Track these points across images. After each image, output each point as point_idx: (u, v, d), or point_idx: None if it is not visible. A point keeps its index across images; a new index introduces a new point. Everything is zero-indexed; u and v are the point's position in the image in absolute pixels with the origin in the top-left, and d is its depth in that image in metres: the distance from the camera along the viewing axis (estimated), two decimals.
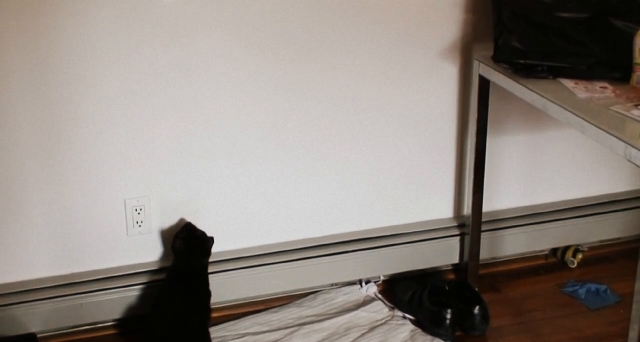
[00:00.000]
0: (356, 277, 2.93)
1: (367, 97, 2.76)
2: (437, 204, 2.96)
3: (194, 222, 2.70)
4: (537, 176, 3.03)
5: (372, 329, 2.72)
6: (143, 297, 2.71)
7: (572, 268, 3.04)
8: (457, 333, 2.71)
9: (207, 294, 2.64)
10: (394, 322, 2.75)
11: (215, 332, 2.66)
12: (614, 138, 2.11)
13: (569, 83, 2.41)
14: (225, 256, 2.77)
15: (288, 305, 2.83)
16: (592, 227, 3.09)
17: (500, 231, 3.01)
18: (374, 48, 2.71)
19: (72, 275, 2.67)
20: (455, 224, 2.97)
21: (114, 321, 2.73)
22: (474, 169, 2.78)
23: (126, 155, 2.60)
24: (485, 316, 2.71)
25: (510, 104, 2.83)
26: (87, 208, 2.62)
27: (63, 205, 2.60)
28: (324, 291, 2.89)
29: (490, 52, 2.55)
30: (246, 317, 2.76)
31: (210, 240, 2.66)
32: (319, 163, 2.79)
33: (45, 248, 2.63)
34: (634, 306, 2.15)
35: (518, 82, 2.45)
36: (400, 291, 2.87)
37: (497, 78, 2.56)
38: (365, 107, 2.76)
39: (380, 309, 2.81)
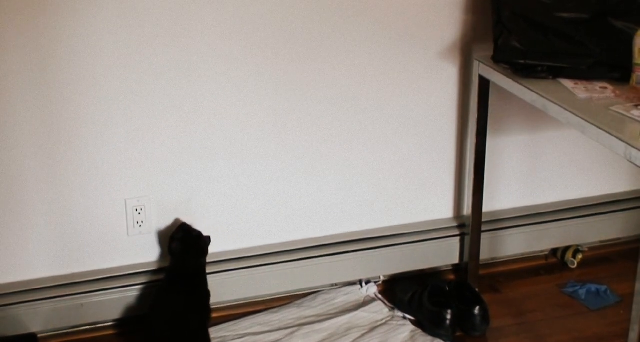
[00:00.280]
0: (356, 278, 2.93)
1: (367, 97, 2.76)
2: (437, 204, 2.96)
3: (194, 222, 2.70)
4: (537, 176, 3.03)
5: (372, 329, 2.72)
6: (144, 298, 2.71)
7: (573, 268, 3.04)
8: (458, 334, 2.70)
9: (207, 294, 2.65)
10: (394, 322, 2.75)
11: (215, 332, 2.66)
12: (614, 138, 2.11)
13: (568, 83, 2.41)
14: (225, 256, 2.77)
15: (288, 305, 2.83)
16: (592, 228, 3.09)
17: (500, 231, 3.00)
18: (374, 48, 2.71)
19: (73, 275, 2.67)
20: (455, 225, 2.97)
21: (114, 321, 2.73)
22: (474, 169, 2.78)
23: (126, 155, 2.60)
24: (485, 316, 2.71)
25: (510, 104, 2.83)
26: (87, 208, 2.62)
27: (63, 205, 2.60)
28: (324, 291, 2.89)
29: (490, 53, 2.55)
30: (246, 318, 2.76)
31: (207, 239, 2.66)
32: (319, 163, 2.79)
33: (45, 248, 2.63)
34: (634, 307, 2.15)
35: (518, 83, 2.45)
36: (401, 291, 2.87)
37: (497, 78, 2.56)
38: (365, 107, 2.76)
39: (380, 310, 2.81)
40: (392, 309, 2.82)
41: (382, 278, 2.96)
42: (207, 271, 2.68)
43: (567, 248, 3.07)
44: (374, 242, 2.90)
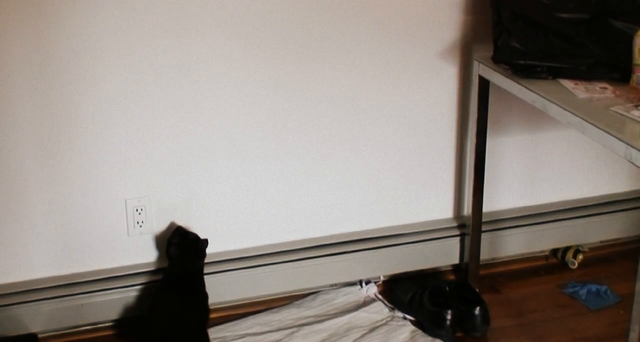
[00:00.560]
0: (356, 278, 2.93)
1: (367, 97, 2.76)
2: (437, 204, 2.96)
3: (194, 222, 2.70)
4: (537, 176, 3.03)
5: (372, 329, 2.72)
6: (144, 298, 2.70)
7: (573, 269, 3.04)
8: (458, 334, 2.70)
9: (204, 295, 2.64)
10: (394, 323, 2.75)
11: (215, 332, 2.66)
12: (614, 138, 2.11)
13: (568, 84, 2.41)
14: (225, 256, 2.77)
15: (288, 305, 2.83)
16: (592, 228, 3.09)
17: (500, 231, 3.00)
18: (374, 48, 2.71)
19: (73, 275, 2.67)
20: (456, 225, 2.97)
21: (114, 321, 2.73)
22: (474, 169, 2.78)
23: (126, 155, 2.60)
24: (485, 316, 2.70)
25: (510, 104, 2.83)
26: (87, 208, 2.63)
27: (63, 205, 2.60)
28: (324, 292, 2.89)
29: (490, 53, 2.55)
30: (246, 318, 2.76)
31: (205, 242, 2.66)
32: (319, 163, 2.79)
33: (45, 248, 2.63)
34: (634, 307, 2.15)
35: (518, 83, 2.45)
36: (401, 291, 2.87)
37: (497, 78, 2.56)
38: (365, 107, 2.77)
39: (380, 310, 2.81)
40: (392, 309, 2.82)
41: (382, 278, 2.96)
42: (207, 271, 2.69)
43: (567, 248, 3.07)
44: (374, 242, 2.90)
